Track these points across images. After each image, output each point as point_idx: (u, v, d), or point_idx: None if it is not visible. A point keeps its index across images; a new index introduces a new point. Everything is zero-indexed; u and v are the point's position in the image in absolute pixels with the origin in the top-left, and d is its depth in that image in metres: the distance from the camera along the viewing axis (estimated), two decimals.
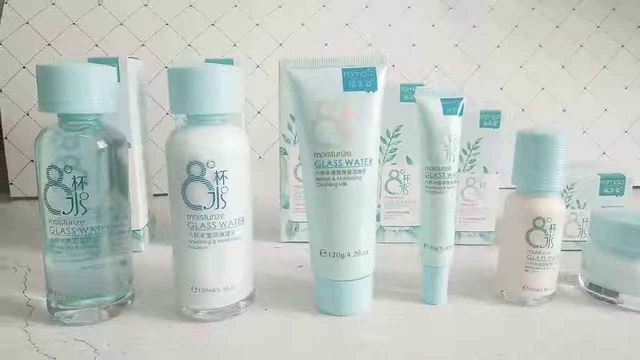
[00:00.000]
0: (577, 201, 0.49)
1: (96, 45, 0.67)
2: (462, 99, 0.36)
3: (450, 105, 0.35)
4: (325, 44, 0.70)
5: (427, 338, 0.33)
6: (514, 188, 0.38)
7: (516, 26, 0.74)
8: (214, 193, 0.33)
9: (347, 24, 0.71)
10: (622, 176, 0.49)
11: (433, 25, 0.72)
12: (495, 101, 0.72)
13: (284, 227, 0.51)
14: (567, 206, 0.49)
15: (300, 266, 0.44)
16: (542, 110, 0.73)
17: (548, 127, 0.36)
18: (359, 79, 0.34)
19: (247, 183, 0.35)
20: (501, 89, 0.73)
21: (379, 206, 0.51)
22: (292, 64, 0.34)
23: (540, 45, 0.74)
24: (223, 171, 0.33)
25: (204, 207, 0.33)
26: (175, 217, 0.34)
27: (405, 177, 0.50)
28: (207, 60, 0.48)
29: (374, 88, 0.34)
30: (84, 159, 0.32)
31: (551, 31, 0.74)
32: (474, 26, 0.73)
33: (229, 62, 0.47)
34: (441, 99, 0.35)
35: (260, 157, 0.71)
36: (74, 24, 0.67)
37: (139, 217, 0.48)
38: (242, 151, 0.34)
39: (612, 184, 0.49)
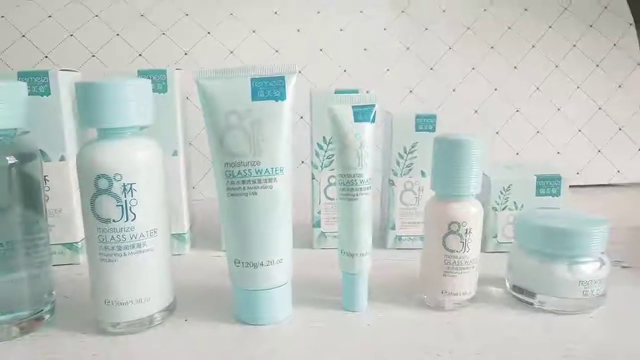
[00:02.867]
0: (515, 203, 0.50)
1: (46, 57, 0.67)
2: (374, 105, 0.36)
3: (362, 113, 0.35)
4: (276, 51, 0.71)
5: (336, 345, 0.33)
6: None
7: (468, 28, 0.74)
8: (122, 206, 0.33)
9: (298, 30, 0.72)
10: (558, 177, 0.49)
11: (385, 29, 0.73)
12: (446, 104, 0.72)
13: (224, 236, 0.51)
14: (503, 208, 0.49)
15: None
16: (495, 112, 0.73)
17: (464, 132, 0.37)
18: (268, 88, 0.34)
19: (159, 194, 0.35)
20: (453, 90, 0.73)
21: (319, 212, 0.51)
22: (203, 75, 0.34)
23: (492, 47, 0.74)
24: (131, 184, 0.33)
25: (113, 220, 0.33)
26: (87, 230, 0.34)
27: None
28: (139, 72, 0.47)
29: (282, 97, 0.34)
30: None
31: (503, 32, 0.75)
32: (426, 29, 0.73)
33: (162, 72, 0.47)
34: (352, 106, 0.35)
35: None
36: (23, 36, 0.67)
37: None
38: (153, 163, 0.34)
39: (548, 184, 0.50)
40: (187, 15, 0.71)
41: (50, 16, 0.68)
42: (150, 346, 0.33)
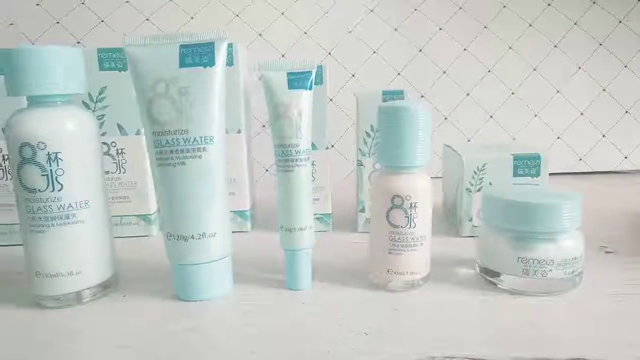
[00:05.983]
0: (490, 184, 0.47)
1: None
2: (311, 72, 0.34)
3: (298, 79, 0.34)
4: (259, 35, 0.69)
5: (260, 323, 0.31)
6: None
7: (460, 7, 0.71)
8: (47, 175, 0.32)
9: (283, 13, 0.70)
10: (537, 156, 0.46)
11: (372, 10, 0.70)
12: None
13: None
14: (478, 190, 0.46)
15: None
16: (489, 94, 0.70)
17: (413, 100, 0.34)
18: (196, 54, 0.33)
19: (92, 165, 0.34)
20: (444, 72, 0.70)
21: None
22: (131, 41, 0.33)
23: (485, 27, 0.70)
24: (56, 153, 0.32)
25: (39, 190, 0.32)
26: (18, 201, 0.33)
27: (313, 163, 0.49)
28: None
29: (211, 63, 0.33)
30: None
31: (498, 10, 0.71)
32: (415, 9, 0.70)
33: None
34: (287, 73, 0.34)
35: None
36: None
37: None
38: (84, 133, 0.33)
39: (526, 164, 0.46)
40: (127, 2, 0.70)
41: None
42: (77, 320, 0.32)
